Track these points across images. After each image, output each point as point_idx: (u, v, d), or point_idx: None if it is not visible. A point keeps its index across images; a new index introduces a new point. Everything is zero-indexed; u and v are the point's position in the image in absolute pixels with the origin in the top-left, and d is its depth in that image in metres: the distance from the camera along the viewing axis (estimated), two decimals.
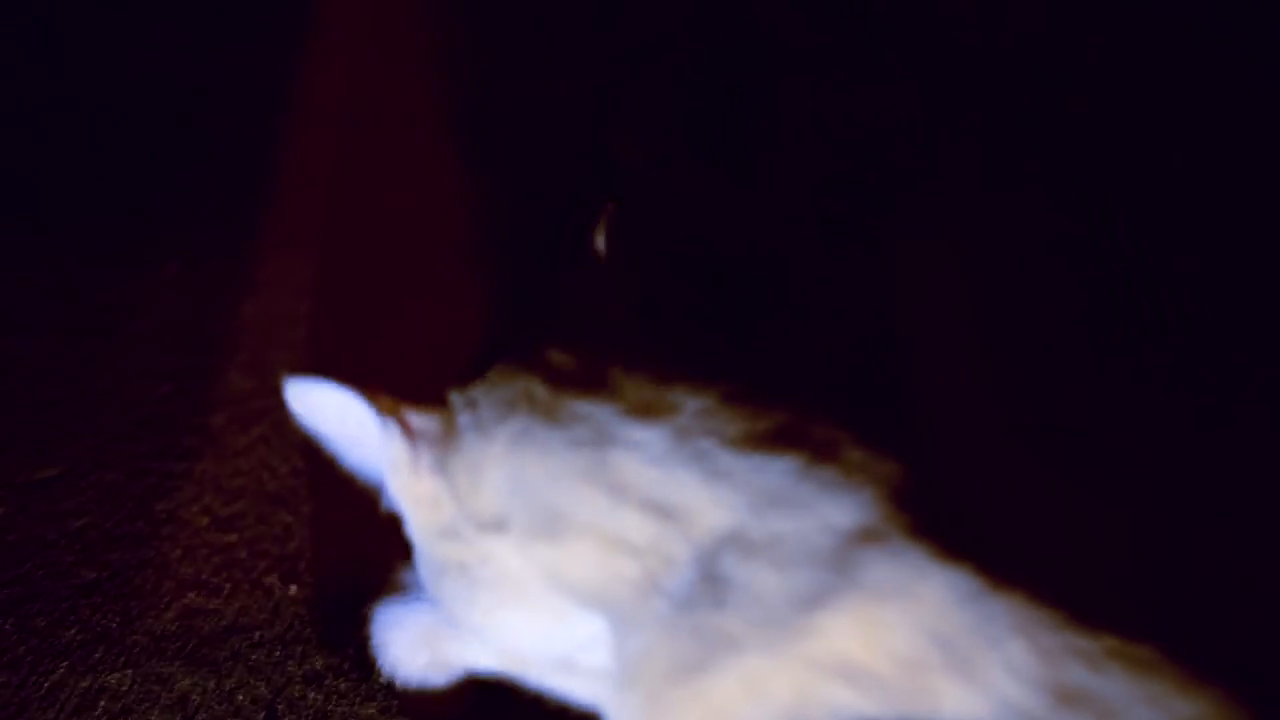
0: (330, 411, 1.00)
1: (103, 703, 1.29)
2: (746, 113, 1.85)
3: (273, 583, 1.37)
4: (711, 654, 0.91)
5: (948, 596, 0.89)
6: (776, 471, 0.95)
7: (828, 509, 0.93)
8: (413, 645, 1.13)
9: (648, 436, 0.96)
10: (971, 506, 1.00)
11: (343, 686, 1.27)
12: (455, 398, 1.04)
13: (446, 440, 1.02)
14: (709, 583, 0.93)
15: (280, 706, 1.27)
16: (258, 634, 1.33)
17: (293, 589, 1.37)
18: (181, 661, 1.31)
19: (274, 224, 1.81)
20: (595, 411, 0.99)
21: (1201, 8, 1.80)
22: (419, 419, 1.02)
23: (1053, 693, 0.86)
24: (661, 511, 0.95)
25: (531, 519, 0.99)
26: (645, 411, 0.98)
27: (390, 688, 1.20)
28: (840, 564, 0.91)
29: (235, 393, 1.56)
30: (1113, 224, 1.63)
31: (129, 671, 1.31)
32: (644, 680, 0.94)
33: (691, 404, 0.99)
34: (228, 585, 1.37)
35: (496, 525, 1.01)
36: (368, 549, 1.36)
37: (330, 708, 1.27)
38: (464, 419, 1.03)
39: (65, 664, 1.32)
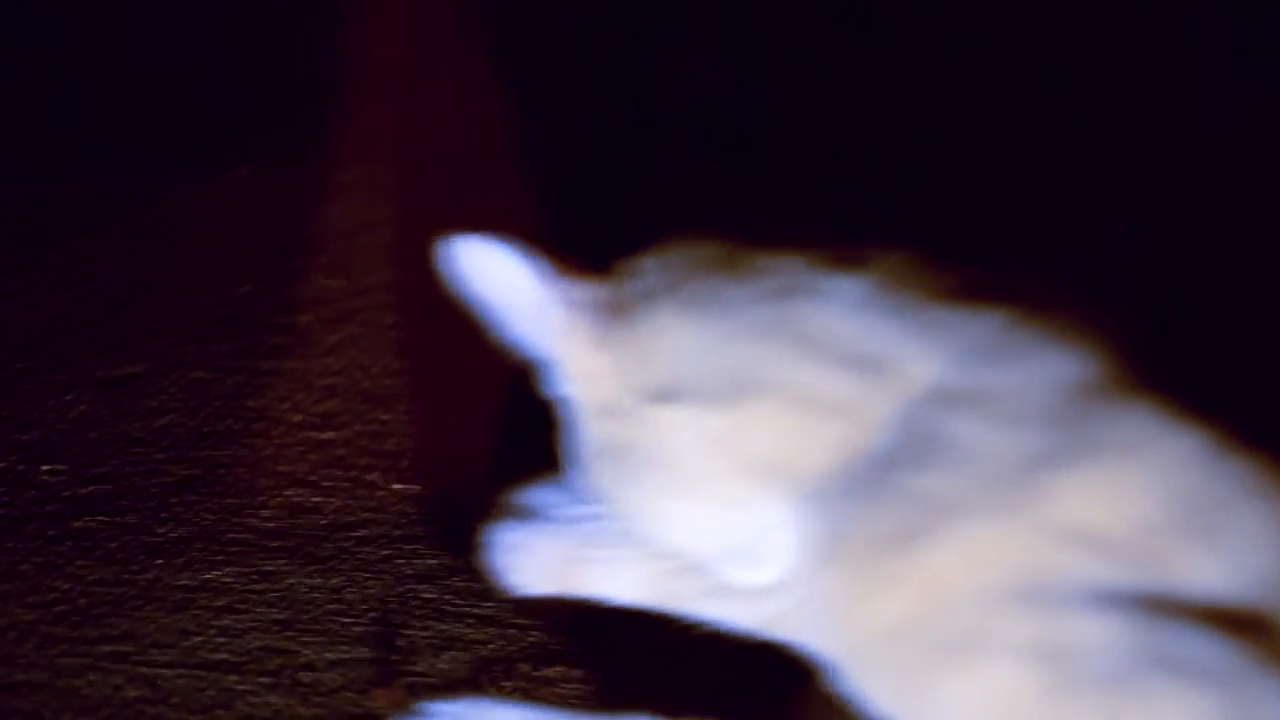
0: (495, 275, 0.93)
1: (204, 599, 1.24)
2: None
3: (375, 480, 1.32)
4: (926, 520, 0.83)
5: (1187, 459, 0.82)
6: (987, 324, 0.88)
7: (1048, 363, 0.86)
8: (540, 570, 1.04)
9: (843, 285, 0.89)
10: (1196, 364, 0.94)
11: (458, 584, 1.22)
12: (623, 266, 0.96)
13: (617, 310, 0.94)
14: (917, 443, 0.86)
15: (392, 604, 1.21)
16: (364, 531, 1.28)
17: (397, 486, 1.30)
18: (286, 558, 1.26)
19: (347, 134, 1.74)
20: (782, 265, 0.92)
21: None
22: (589, 287, 0.94)
23: None
24: (860, 364, 0.88)
25: (708, 384, 0.92)
26: (837, 264, 0.91)
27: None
28: (1068, 420, 0.84)
29: (321, 293, 1.51)
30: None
31: (229, 568, 1.26)
32: (846, 554, 0.86)
33: (885, 260, 0.92)
34: (328, 482, 1.32)
35: (667, 396, 0.93)
36: (472, 450, 1.30)
37: (446, 605, 1.21)
38: (634, 285, 0.95)
39: (160, 561, 1.26)
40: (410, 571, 1.25)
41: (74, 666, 1.19)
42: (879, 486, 0.85)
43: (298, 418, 1.37)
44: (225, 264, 1.55)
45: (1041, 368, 0.85)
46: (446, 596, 1.23)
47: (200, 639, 1.22)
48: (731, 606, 0.97)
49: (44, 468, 1.34)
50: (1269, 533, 0.80)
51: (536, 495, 1.02)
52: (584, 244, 1.04)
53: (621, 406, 0.93)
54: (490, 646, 1.19)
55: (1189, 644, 0.76)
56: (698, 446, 0.91)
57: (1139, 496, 0.80)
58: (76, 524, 1.31)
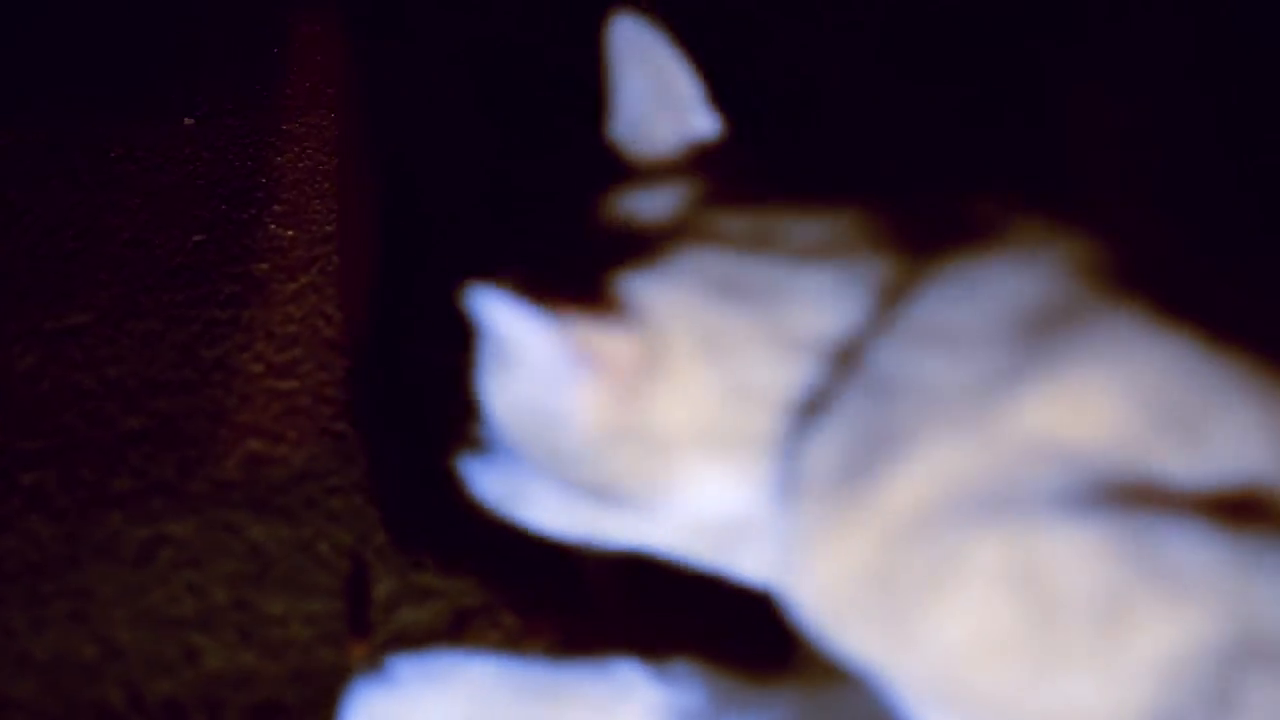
0: (513, 337, 0.87)
1: (166, 553, 1.18)
2: None
3: (343, 429, 1.25)
4: (887, 453, 0.80)
5: (1161, 363, 0.80)
6: (941, 267, 0.84)
7: (1007, 286, 0.82)
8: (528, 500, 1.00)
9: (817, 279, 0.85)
10: (1181, 272, 0.90)
11: (434, 533, 1.16)
12: (627, 281, 0.90)
13: (648, 352, 0.88)
14: (873, 382, 0.82)
15: (368, 554, 1.15)
16: (332, 481, 1.22)
17: (366, 435, 1.24)
18: (251, 510, 1.20)
19: (292, 85, 1.68)
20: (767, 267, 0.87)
21: None
22: (614, 345, 0.88)
23: None
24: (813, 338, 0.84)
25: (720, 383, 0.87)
26: (820, 253, 0.86)
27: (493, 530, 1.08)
28: (1028, 341, 0.80)
29: (276, 242, 1.45)
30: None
31: (192, 521, 1.19)
32: (805, 500, 0.82)
33: (858, 213, 0.88)
34: (293, 432, 1.26)
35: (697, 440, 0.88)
36: (440, 398, 1.25)
37: (424, 556, 1.15)
38: (658, 302, 0.89)
39: (118, 513, 1.20)
40: (382, 517, 1.18)
41: (26, 627, 1.15)
42: (838, 426, 0.81)
43: (258, 367, 1.31)
44: (176, 213, 1.49)
45: (999, 293, 0.82)
46: (424, 546, 1.16)
47: (162, 594, 1.16)
48: (702, 550, 0.92)
49: None
50: (1259, 428, 0.76)
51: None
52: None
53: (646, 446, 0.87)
54: (471, 597, 1.14)
55: (1176, 544, 0.73)
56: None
57: (1108, 402, 0.77)
58: (26, 479, 1.25)
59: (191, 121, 1.62)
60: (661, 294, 0.87)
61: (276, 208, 1.50)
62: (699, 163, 0.95)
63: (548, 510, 0.95)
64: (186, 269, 1.44)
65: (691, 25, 1.48)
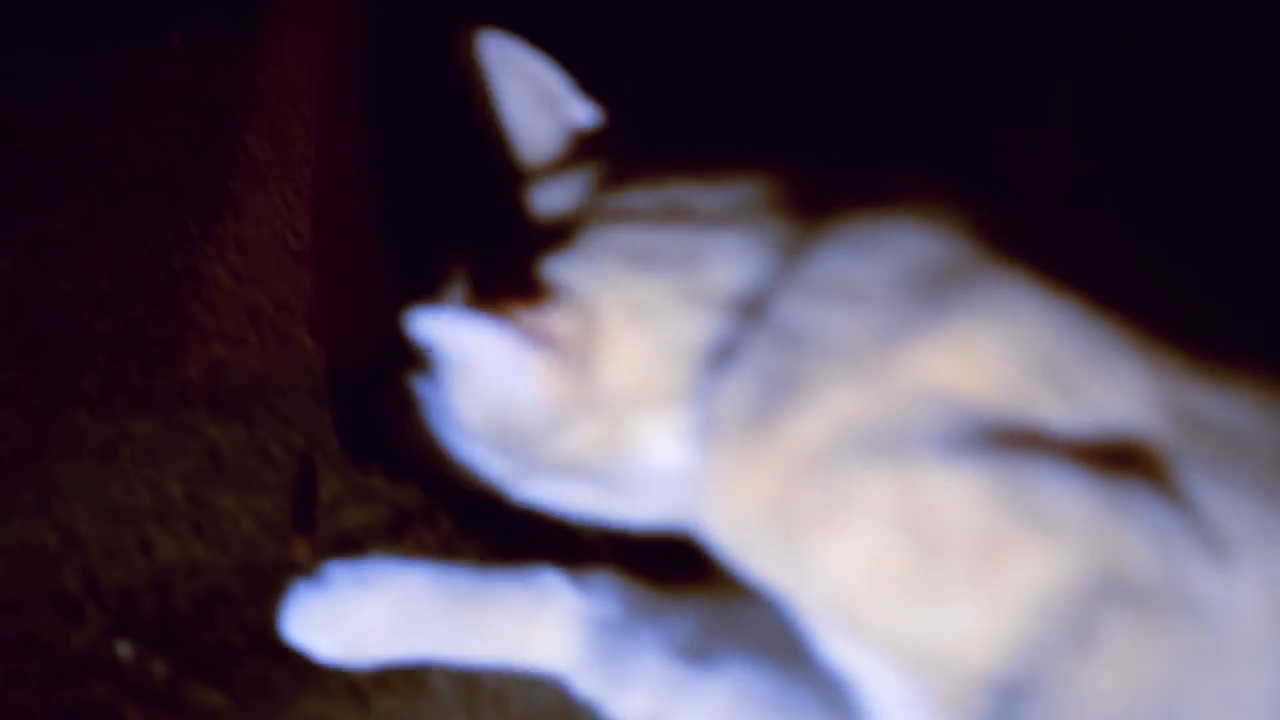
0: (463, 345, 0.92)
1: (127, 450, 1.24)
2: None
3: (303, 338, 1.31)
4: (790, 397, 0.85)
5: (1049, 320, 0.84)
6: (846, 227, 0.89)
7: (907, 245, 0.87)
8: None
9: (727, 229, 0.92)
10: (1075, 238, 0.95)
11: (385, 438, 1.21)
12: (550, 267, 0.95)
13: (582, 323, 0.93)
14: (778, 331, 0.87)
15: (316, 455, 1.21)
16: (289, 385, 1.27)
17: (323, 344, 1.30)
18: (210, 411, 1.26)
19: (278, 7, 1.73)
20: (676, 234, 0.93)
21: None
22: (537, 322, 0.93)
23: (1169, 413, 0.82)
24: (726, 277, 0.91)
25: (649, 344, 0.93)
26: (725, 218, 0.92)
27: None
28: (924, 296, 0.85)
29: (252, 159, 1.50)
30: None
31: (154, 420, 1.25)
32: (717, 438, 0.88)
33: (765, 180, 0.94)
34: (255, 339, 1.31)
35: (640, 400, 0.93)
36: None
37: (369, 460, 1.21)
38: (578, 279, 0.94)
39: (85, 411, 1.26)
40: (332, 423, 1.25)
41: None
42: (745, 373, 0.87)
43: (227, 277, 1.37)
44: (156, 128, 1.54)
45: (900, 251, 0.87)
46: (369, 447, 1.22)
47: (121, 489, 1.21)
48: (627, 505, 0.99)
49: None
50: (1135, 385, 0.80)
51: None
52: None
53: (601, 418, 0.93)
54: (411, 500, 1.19)
55: (1049, 488, 0.78)
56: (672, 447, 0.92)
57: (994, 355, 0.82)
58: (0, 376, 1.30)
59: (177, 39, 1.66)
60: (582, 271, 0.93)
61: (255, 126, 1.55)
62: (589, 150, 1.00)
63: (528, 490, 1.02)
64: (167, 180, 1.50)
65: (692, 26, 1.53)
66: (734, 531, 0.88)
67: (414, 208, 1.42)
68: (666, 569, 1.05)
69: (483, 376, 0.94)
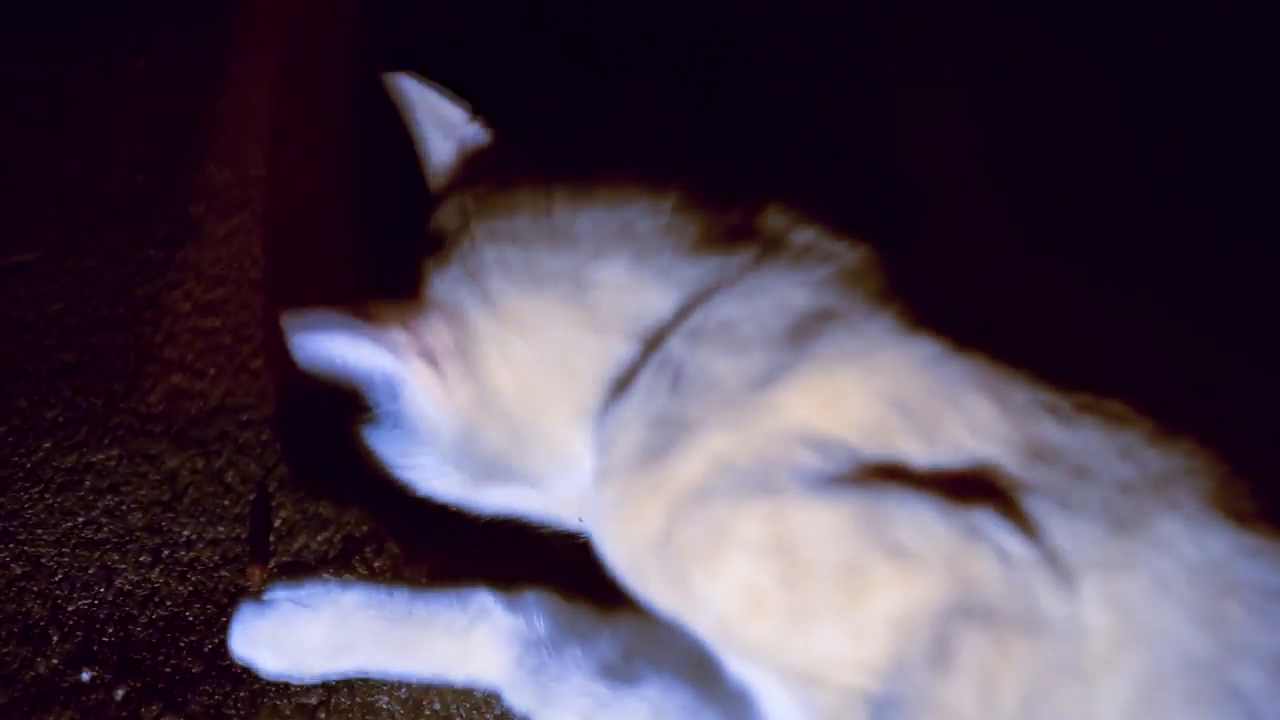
0: (340, 354, 0.97)
1: (89, 480, 1.28)
2: None
3: (258, 367, 1.35)
4: (673, 439, 0.91)
5: (907, 362, 0.91)
6: (733, 266, 0.94)
7: (779, 292, 0.93)
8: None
9: (620, 254, 0.97)
10: (942, 281, 1.01)
11: (332, 469, 1.26)
12: (431, 272, 1.01)
13: (460, 335, 0.99)
14: (668, 373, 0.93)
15: (272, 485, 1.26)
16: (245, 415, 1.32)
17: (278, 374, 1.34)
18: (169, 441, 1.30)
19: (240, 28, 1.75)
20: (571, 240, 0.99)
21: None
22: (426, 332, 0.99)
23: (1020, 447, 0.87)
24: (635, 314, 0.97)
25: (541, 360, 0.98)
26: (618, 236, 0.98)
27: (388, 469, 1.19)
28: (795, 342, 0.91)
29: (212, 183, 1.54)
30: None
31: (115, 450, 1.30)
32: (613, 474, 0.94)
33: (657, 208, 1.00)
34: (213, 369, 1.36)
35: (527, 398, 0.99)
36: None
37: (321, 489, 1.26)
38: (458, 294, 1.00)
39: (49, 443, 1.30)
40: (287, 452, 1.28)
41: None
42: (635, 412, 0.94)
43: (186, 305, 1.41)
44: (119, 154, 1.56)
45: (776, 298, 0.93)
46: (322, 480, 1.27)
47: (83, 519, 1.26)
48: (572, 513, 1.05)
49: None
50: (994, 424, 0.87)
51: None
52: None
53: (496, 412, 0.98)
54: (363, 528, 1.24)
55: (904, 519, 0.85)
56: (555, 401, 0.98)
57: (855, 401, 0.89)
58: None
59: (141, 63, 1.69)
60: (454, 286, 0.98)
61: (215, 150, 1.58)
62: (474, 168, 1.06)
63: (440, 482, 1.07)
64: (129, 208, 1.53)
65: (691, 26, 1.57)
66: (629, 564, 0.94)
67: (367, 232, 1.46)
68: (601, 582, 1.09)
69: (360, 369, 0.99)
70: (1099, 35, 1.56)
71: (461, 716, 1.13)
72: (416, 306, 0.96)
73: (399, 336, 0.94)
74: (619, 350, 0.94)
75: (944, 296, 0.94)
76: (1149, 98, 1.51)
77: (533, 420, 0.97)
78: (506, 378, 0.95)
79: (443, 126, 1.06)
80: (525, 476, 1.00)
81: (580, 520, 1.01)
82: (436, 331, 0.95)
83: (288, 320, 0.95)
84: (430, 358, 0.95)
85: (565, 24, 1.66)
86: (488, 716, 1.13)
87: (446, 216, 1.02)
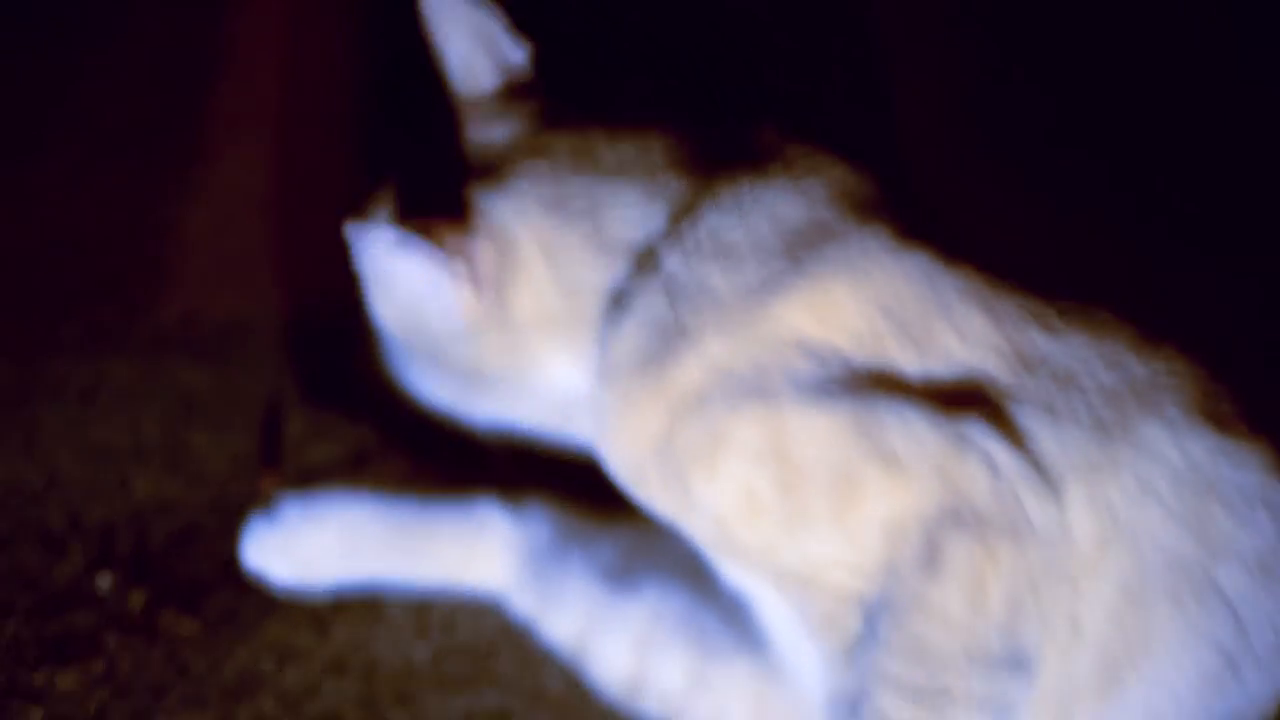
0: (383, 262, 0.99)
1: (106, 392, 1.31)
2: None
3: (271, 284, 1.38)
4: (672, 346, 0.93)
5: (899, 273, 0.93)
6: (729, 183, 0.98)
7: (776, 208, 0.95)
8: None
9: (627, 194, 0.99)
10: (933, 197, 1.03)
11: (345, 378, 1.28)
12: (479, 198, 1.03)
13: (502, 260, 1.01)
14: (665, 285, 0.96)
15: (283, 396, 1.29)
16: (258, 331, 1.35)
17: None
18: (183, 355, 1.33)
19: None
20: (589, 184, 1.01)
21: None
22: (461, 252, 1.00)
23: (1008, 356, 0.90)
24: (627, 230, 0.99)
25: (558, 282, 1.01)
26: (628, 172, 1.00)
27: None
28: (789, 254, 0.93)
29: (226, 107, 1.56)
30: None
31: (131, 363, 1.32)
32: (612, 380, 0.97)
33: (659, 144, 1.02)
34: (226, 286, 1.38)
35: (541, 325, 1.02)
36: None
37: (333, 397, 1.28)
38: (505, 220, 1.02)
39: (67, 356, 1.33)
40: (299, 366, 1.31)
41: None
42: (637, 322, 0.96)
43: (200, 226, 1.43)
44: (133, 79, 1.58)
45: (770, 211, 0.96)
46: (333, 394, 1.29)
47: (101, 429, 1.29)
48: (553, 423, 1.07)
49: None
50: (982, 332, 0.90)
51: None
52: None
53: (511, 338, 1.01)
54: (371, 438, 1.27)
55: (897, 426, 0.87)
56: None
57: (851, 308, 0.91)
58: None
59: None
60: (507, 207, 1.00)
61: (229, 75, 1.61)
62: (522, 93, 1.07)
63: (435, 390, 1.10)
64: (143, 132, 1.55)
65: (691, 25, 1.58)
66: (628, 466, 0.96)
67: (379, 153, 1.48)
68: (600, 494, 1.12)
69: (406, 291, 1.01)
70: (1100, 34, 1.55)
71: (464, 623, 1.16)
72: (466, 227, 0.98)
73: (454, 258, 0.96)
74: (623, 272, 0.96)
75: (932, 214, 0.96)
76: (1160, 98, 1.51)
77: (529, 332, 0.99)
78: (522, 294, 0.98)
79: (478, 38, 1.07)
80: (496, 378, 1.03)
81: (561, 430, 1.03)
82: (485, 255, 0.97)
83: (350, 225, 0.96)
84: (477, 281, 0.97)
85: (565, 24, 1.67)
86: (488, 622, 1.16)
87: (489, 133, 1.03)
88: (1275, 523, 0.89)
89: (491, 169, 1.00)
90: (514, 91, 1.06)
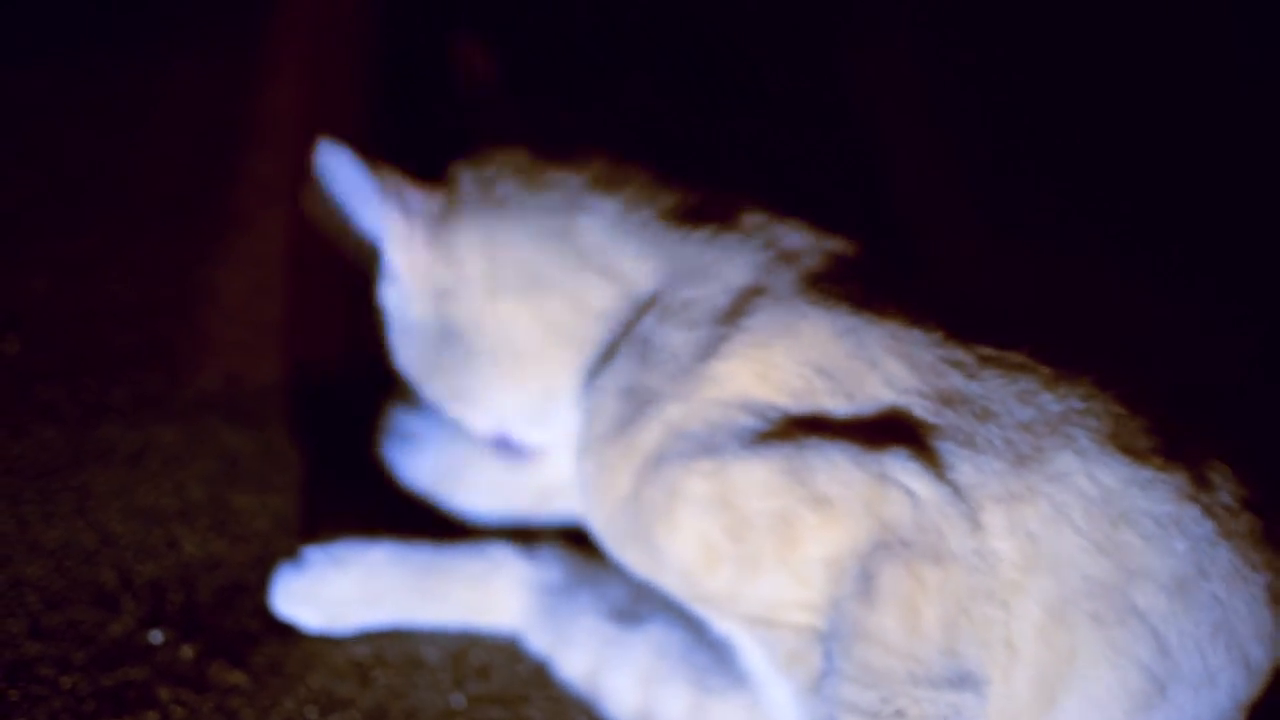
0: (344, 181, 1.10)
1: (154, 456, 1.37)
2: None
3: (307, 348, 1.44)
4: (638, 409, 1.02)
5: (827, 332, 1.01)
6: (694, 241, 1.06)
7: (728, 271, 1.04)
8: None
9: (605, 205, 1.08)
10: (865, 256, 1.10)
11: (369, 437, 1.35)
12: (455, 171, 1.12)
13: (445, 214, 1.10)
14: (636, 348, 1.05)
15: (318, 456, 1.35)
16: (296, 393, 1.40)
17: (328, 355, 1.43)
18: (226, 418, 1.39)
19: (277, 19, 1.84)
20: (568, 179, 1.10)
21: None
22: (418, 196, 1.11)
23: (930, 397, 0.98)
24: (611, 276, 1.08)
25: (517, 278, 1.10)
26: (605, 184, 1.09)
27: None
28: (731, 318, 1.02)
29: (260, 175, 1.62)
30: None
31: (177, 428, 1.38)
32: (591, 446, 1.05)
33: (638, 179, 1.11)
34: (266, 350, 1.45)
35: (490, 287, 1.11)
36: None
37: (367, 456, 1.35)
38: (455, 193, 1.11)
39: (116, 422, 1.39)
40: (334, 428, 1.38)
41: (37, 519, 1.32)
42: (612, 384, 1.05)
43: (239, 292, 1.50)
44: (168, 151, 1.65)
45: (723, 277, 1.05)
46: (358, 449, 1.36)
47: (150, 492, 1.35)
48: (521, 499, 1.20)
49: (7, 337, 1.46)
50: (906, 379, 0.99)
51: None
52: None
53: (455, 292, 1.11)
54: (397, 494, 1.33)
55: (824, 469, 0.95)
56: (522, 328, 1.10)
57: (784, 369, 1.00)
58: (39, 391, 1.44)
59: (189, 62, 1.78)
60: (465, 180, 1.13)
61: (262, 143, 1.67)
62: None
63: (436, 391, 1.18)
64: (180, 202, 1.62)
65: (691, 25, 1.64)
66: (606, 529, 1.06)
67: None
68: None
69: (340, 188, 1.12)
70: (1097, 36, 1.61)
71: (500, 668, 1.22)
72: (424, 183, 1.11)
73: (391, 190, 1.09)
74: (605, 327, 1.09)
75: (874, 271, 1.05)
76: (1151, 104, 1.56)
77: (486, 299, 1.11)
78: (477, 267, 1.10)
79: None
80: (462, 338, 1.13)
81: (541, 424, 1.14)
82: (427, 199, 1.10)
83: (323, 142, 1.09)
84: (408, 216, 1.09)
85: (565, 24, 1.74)
86: (522, 668, 1.22)
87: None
88: (1191, 547, 0.95)
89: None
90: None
